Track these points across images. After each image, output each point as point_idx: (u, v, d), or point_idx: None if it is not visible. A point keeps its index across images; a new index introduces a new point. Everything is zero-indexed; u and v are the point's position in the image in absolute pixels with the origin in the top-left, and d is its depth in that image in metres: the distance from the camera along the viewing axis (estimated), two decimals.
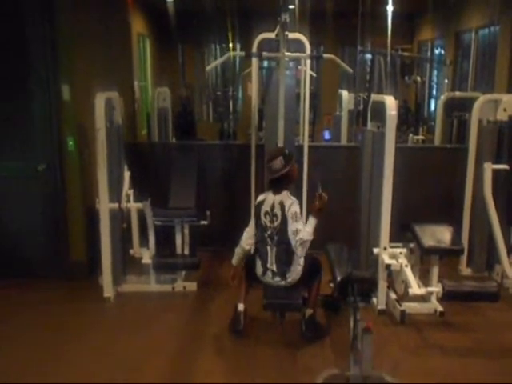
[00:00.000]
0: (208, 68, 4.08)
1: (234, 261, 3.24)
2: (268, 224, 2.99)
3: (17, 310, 3.47)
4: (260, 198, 3.10)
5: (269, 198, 3.02)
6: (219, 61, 4.09)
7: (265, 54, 3.76)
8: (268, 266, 3.01)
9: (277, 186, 3.02)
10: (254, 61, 4.01)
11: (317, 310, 3.16)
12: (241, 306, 3.10)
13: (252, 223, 3.16)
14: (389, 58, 6.14)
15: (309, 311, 3.07)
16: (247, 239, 3.17)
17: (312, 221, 2.95)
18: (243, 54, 3.87)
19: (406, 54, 7.64)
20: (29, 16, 3.65)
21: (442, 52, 8.36)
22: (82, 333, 3.19)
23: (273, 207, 2.97)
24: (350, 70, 4.33)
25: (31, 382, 2.68)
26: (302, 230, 2.91)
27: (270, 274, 3.02)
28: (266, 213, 2.99)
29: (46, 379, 2.68)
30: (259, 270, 3.06)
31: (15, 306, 3.51)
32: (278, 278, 3.01)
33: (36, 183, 3.80)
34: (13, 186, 3.83)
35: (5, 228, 3.86)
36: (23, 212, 3.86)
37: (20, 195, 3.84)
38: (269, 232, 2.99)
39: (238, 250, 3.23)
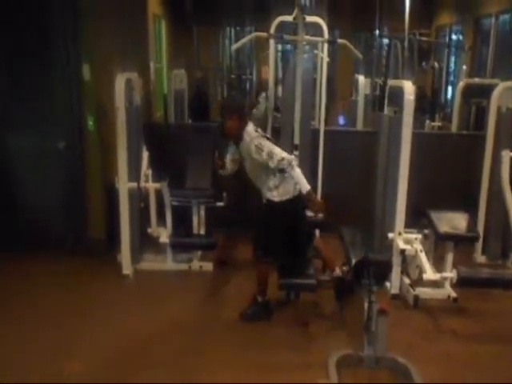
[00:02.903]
0: (234, 47, 4.12)
1: (307, 184, 2.84)
2: None
3: (39, 280, 3.57)
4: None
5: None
6: (244, 40, 4.12)
7: (285, 36, 3.75)
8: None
9: None
10: (272, 43, 4.00)
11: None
12: (266, 297, 3.15)
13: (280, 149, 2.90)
14: (406, 43, 6.05)
15: (338, 270, 3.18)
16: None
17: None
18: (266, 35, 3.87)
19: (423, 38, 7.53)
20: None
21: (461, 37, 8.21)
22: (105, 305, 3.28)
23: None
24: (360, 56, 4.36)
25: (50, 337, 2.87)
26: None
27: None
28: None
29: (64, 337, 2.88)
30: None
31: (38, 277, 3.61)
32: None
33: (57, 161, 3.88)
34: (34, 163, 3.91)
35: (27, 204, 3.95)
36: (45, 189, 3.94)
37: (41, 172, 3.93)
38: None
39: (299, 171, 2.84)
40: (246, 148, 2.93)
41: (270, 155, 2.83)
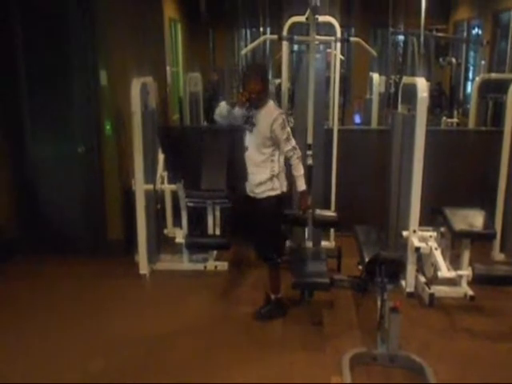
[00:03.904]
0: (243, 51, 4.19)
1: (304, 184, 2.93)
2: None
3: (59, 282, 3.69)
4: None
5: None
6: (254, 44, 4.16)
7: (296, 37, 3.77)
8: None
9: None
10: (285, 44, 4.03)
11: None
12: (279, 295, 3.17)
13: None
14: (422, 39, 5.98)
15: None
16: None
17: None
18: (276, 37, 3.90)
19: (440, 34, 7.42)
20: (68, 5, 3.79)
21: (480, 32, 8.06)
22: (122, 305, 3.38)
23: None
24: (375, 54, 4.33)
25: (71, 336, 2.97)
26: None
27: None
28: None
29: (84, 335, 2.99)
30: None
31: (57, 279, 3.72)
32: None
33: (76, 165, 3.99)
34: (55, 168, 4.04)
35: (48, 207, 4.08)
36: (65, 193, 4.06)
37: (62, 176, 4.05)
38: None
39: (301, 167, 2.90)
40: (266, 118, 2.85)
41: (289, 138, 2.85)
